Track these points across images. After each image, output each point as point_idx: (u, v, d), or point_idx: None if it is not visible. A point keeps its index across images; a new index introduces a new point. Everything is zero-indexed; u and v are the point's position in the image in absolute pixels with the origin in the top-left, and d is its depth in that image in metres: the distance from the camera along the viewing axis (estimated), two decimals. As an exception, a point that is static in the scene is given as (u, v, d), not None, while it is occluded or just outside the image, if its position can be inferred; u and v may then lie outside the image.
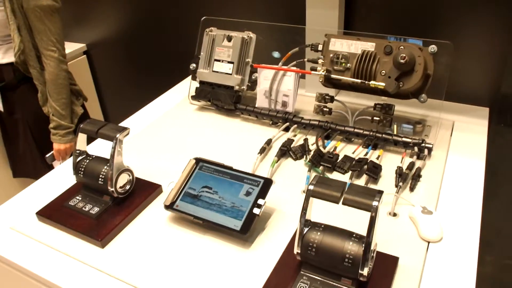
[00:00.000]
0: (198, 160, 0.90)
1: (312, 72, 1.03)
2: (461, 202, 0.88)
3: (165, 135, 1.15)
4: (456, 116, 1.15)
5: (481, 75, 1.18)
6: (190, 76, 1.43)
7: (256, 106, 1.17)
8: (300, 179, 0.96)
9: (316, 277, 0.70)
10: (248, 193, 0.83)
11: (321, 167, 0.97)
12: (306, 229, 0.70)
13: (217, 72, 1.19)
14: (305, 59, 1.08)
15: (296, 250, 0.70)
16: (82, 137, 0.90)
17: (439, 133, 1.08)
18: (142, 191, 0.92)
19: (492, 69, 1.16)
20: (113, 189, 0.86)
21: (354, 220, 0.75)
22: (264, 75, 1.14)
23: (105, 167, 0.87)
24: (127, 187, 0.89)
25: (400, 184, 0.89)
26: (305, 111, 1.18)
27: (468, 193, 0.90)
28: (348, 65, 1.01)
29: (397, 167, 0.94)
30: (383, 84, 0.95)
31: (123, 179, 0.88)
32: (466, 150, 1.02)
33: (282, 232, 0.82)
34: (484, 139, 1.07)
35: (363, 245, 0.66)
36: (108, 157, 0.87)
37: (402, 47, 0.96)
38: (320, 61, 1.05)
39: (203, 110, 1.26)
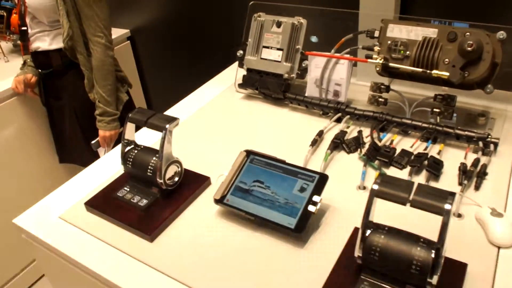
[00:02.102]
0: (249, 153, 0.87)
1: (369, 60, 0.97)
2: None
3: (211, 124, 1.12)
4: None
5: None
6: (236, 63, 1.40)
7: (306, 95, 1.12)
8: (354, 174, 0.90)
9: (378, 283, 0.66)
10: (302, 189, 0.79)
11: (376, 162, 0.92)
12: (368, 231, 0.65)
13: (266, 59, 1.15)
14: (360, 46, 1.02)
15: (357, 253, 0.66)
16: (130, 127, 0.88)
17: (504, 126, 1.00)
18: (191, 183, 0.89)
19: None
20: (162, 180, 0.84)
21: (414, 220, 0.70)
22: (315, 63, 1.09)
23: (154, 158, 0.85)
24: (176, 179, 0.87)
25: (465, 182, 0.83)
26: (357, 101, 1.12)
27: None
28: (407, 52, 0.94)
29: (461, 163, 0.88)
30: (447, 73, 0.88)
31: (172, 170, 0.86)
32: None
33: (337, 231, 0.78)
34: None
35: (432, 251, 0.61)
36: (156, 147, 0.85)
37: (468, 33, 0.88)
38: (376, 48, 0.99)
39: (250, 99, 1.22)
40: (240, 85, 1.20)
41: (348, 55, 1.05)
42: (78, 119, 1.45)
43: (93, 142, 1.43)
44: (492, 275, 0.68)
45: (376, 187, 0.63)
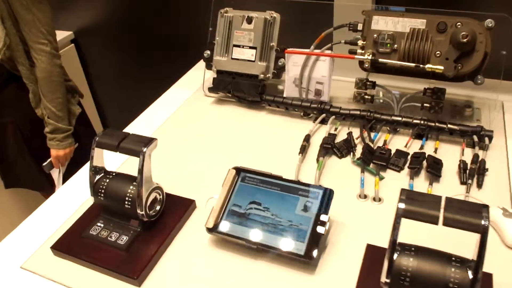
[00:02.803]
0: (238, 170, 0.77)
1: (356, 57, 0.90)
2: (538, 197, 0.78)
3: (184, 137, 1.01)
4: (501, 94, 1.03)
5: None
6: (200, 64, 1.29)
7: (285, 95, 1.03)
8: (351, 181, 0.84)
9: (409, 311, 0.60)
10: (306, 208, 0.71)
11: (372, 165, 0.86)
12: (395, 254, 0.59)
13: (238, 59, 1.05)
14: (342, 41, 0.95)
15: (385, 279, 0.59)
16: (99, 152, 0.76)
17: (490, 116, 0.98)
18: (174, 210, 0.79)
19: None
20: (143, 212, 0.72)
21: (429, 232, 0.63)
22: (293, 61, 1.00)
23: (131, 187, 0.73)
24: (157, 207, 0.76)
25: (470, 182, 0.79)
26: (339, 98, 1.06)
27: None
28: (395, 46, 0.88)
29: (460, 161, 0.83)
30: (441, 67, 0.83)
31: (153, 198, 0.75)
32: (526, 134, 0.92)
33: (348, 250, 0.71)
34: (540, 118, 0.97)
35: (468, 270, 0.56)
36: (131, 173, 0.73)
37: (459, 23, 0.83)
38: (360, 42, 0.92)
39: (222, 103, 1.11)
40: (211, 89, 1.09)
41: (329, 51, 0.97)
42: (24, 138, 1.27)
43: (44, 164, 1.26)
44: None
45: (402, 206, 0.56)
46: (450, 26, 0.83)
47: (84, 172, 0.95)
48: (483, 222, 0.53)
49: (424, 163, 0.84)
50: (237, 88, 1.05)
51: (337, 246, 0.72)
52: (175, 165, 0.92)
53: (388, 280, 0.58)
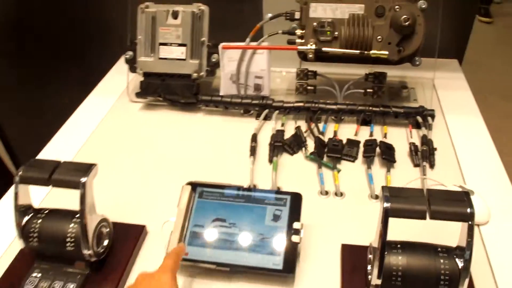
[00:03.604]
0: (194, 185, 0.69)
1: (300, 47, 0.85)
2: (483, 167, 0.81)
3: (115, 153, 0.88)
4: (429, 72, 1.06)
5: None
6: (116, 68, 1.16)
7: (222, 94, 0.96)
8: (308, 178, 0.80)
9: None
10: (276, 217, 0.65)
11: (325, 158, 0.83)
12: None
13: (166, 58, 0.94)
14: (280, 31, 0.89)
15: (376, 282, 0.56)
16: (23, 189, 0.63)
17: (426, 94, 1.00)
18: (124, 240, 0.68)
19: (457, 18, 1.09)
20: (90, 251, 0.61)
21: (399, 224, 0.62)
22: (228, 56, 0.93)
23: (71, 224, 0.62)
24: (106, 242, 0.65)
25: (425, 164, 0.79)
26: (278, 90, 1.01)
27: (485, 154, 0.84)
28: (336, 33, 0.85)
29: (410, 143, 0.84)
30: (386, 52, 0.82)
31: (100, 233, 0.64)
32: (459, 108, 0.96)
33: (323, 253, 0.67)
34: (468, 92, 1.02)
35: (455, 258, 0.55)
36: (62, 205, 0.62)
37: (397, 7, 0.82)
38: (298, 31, 0.88)
39: (152, 108, 1.00)
40: (139, 94, 0.98)
41: (266, 43, 0.91)
42: None
43: None
44: (484, 254, 0.66)
45: (388, 205, 0.53)
46: (389, 10, 0.82)
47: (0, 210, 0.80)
48: (469, 210, 0.52)
49: (377, 149, 0.83)
50: (168, 91, 0.96)
51: (311, 250, 0.67)
52: (113, 187, 0.80)
53: (379, 282, 0.56)
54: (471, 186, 0.75)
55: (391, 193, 0.54)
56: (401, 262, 0.55)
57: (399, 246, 0.57)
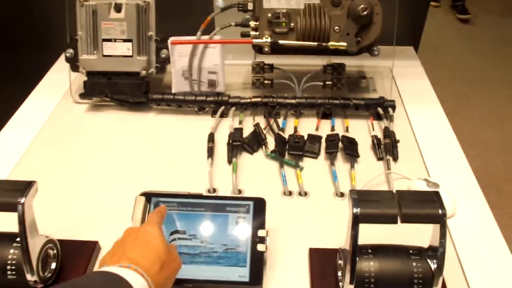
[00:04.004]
0: (148, 196, 0.64)
1: (255, 41, 0.80)
2: (446, 158, 0.81)
3: (59, 162, 0.80)
4: (386, 61, 1.05)
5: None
6: (56, 67, 1.06)
7: (174, 91, 0.90)
8: (270, 178, 0.76)
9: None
10: (239, 226, 0.61)
11: (287, 156, 0.79)
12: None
13: (111, 56, 0.87)
14: (232, 23, 0.84)
15: (348, 288, 0.53)
16: (-49, 214, 0.55)
17: (384, 84, 0.99)
18: (74, 260, 0.62)
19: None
20: (36, 278, 0.55)
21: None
22: (179, 51, 0.87)
23: (11, 250, 0.55)
24: (53, 265, 0.59)
25: (388, 157, 0.78)
26: (233, 85, 0.96)
27: (447, 144, 0.84)
28: (292, 24, 0.81)
29: (372, 136, 0.82)
30: (345, 43, 0.79)
31: (45, 255, 0.57)
32: (418, 97, 0.95)
33: (289, 258, 0.64)
34: (426, 81, 1.01)
35: (427, 259, 0.53)
36: (3, 228, 0.55)
37: (352, -5, 0.79)
38: (252, 23, 0.83)
39: (98, 109, 0.93)
40: (83, 95, 0.90)
41: (219, 37, 0.86)
42: None
43: None
44: (453, 248, 0.65)
45: (357, 210, 0.51)
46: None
47: None
48: (441, 211, 0.51)
49: (340, 144, 0.80)
50: (116, 90, 0.88)
51: (277, 257, 0.64)
52: (57, 201, 0.73)
53: (352, 288, 0.53)
54: (435, 178, 0.74)
55: (360, 197, 0.52)
56: (373, 267, 0.53)
57: (370, 250, 0.55)
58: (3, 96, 1.05)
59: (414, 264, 0.53)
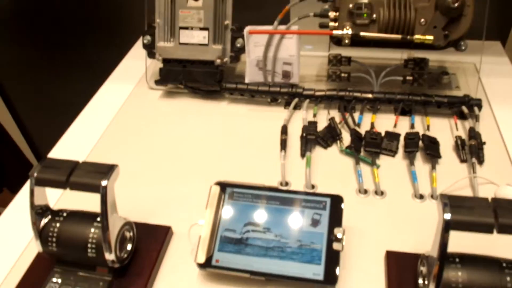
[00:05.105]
0: (223, 186, 0.63)
1: (335, 32, 0.77)
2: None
3: (135, 146, 0.83)
4: (470, 56, 0.98)
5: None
6: (132, 53, 1.09)
7: (247, 81, 0.89)
8: (345, 175, 0.74)
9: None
10: (315, 222, 0.59)
11: (362, 153, 0.76)
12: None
13: (187, 44, 0.88)
14: (311, 14, 0.82)
15: (431, 300, 0.50)
16: (40, 191, 0.57)
17: (468, 81, 0.92)
18: (148, 244, 0.63)
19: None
20: (113, 258, 0.56)
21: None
22: (254, 41, 0.86)
23: (92, 229, 0.57)
24: (129, 246, 0.60)
25: (474, 160, 0.72)
26: (307, 77, 0.94)
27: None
28: (373, 16, 0.78)
29: (456, 137, 0.77)
30: (431, 37, 0.74)
31: (123, 237, 0.59)
32: (506, 96, 0.88)
33: (365, 261, 0.61)
34: (515, 78, 0.94)
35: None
36: (81, 205, 0.57)
37: (442, -16, 0.74)
38: (331, 14, 0.80)
39: (173, 96, 0.94)
40: (158, 82, 0.92)
41: (296, 27, 0.84)
42: None
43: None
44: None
45: (448, 216, 0.47)
46: (433, -11, 0.74)
47: (15, 210, 0.75)
48: (543, 223, 0.46)
49: (420, 143, 0.76)
50: (190, 78, 0.89)
51: (351, 257, 0.62)
52: (133, 185, 0.75)
53: (435, 302, 0.50)
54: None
55: (452, 203, 0.48)
56: (461, 278, 0.49)
57: (457, 259, 0.51)
58: (82, 81, 1.10)
59: (508, 279, 0.49)
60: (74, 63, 1.37)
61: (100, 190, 0.54)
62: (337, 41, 0.82)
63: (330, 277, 0.56)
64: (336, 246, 0.57)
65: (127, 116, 0.91)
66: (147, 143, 0.83)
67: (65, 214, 0.59)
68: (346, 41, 0.77)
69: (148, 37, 0.90)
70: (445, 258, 0.48)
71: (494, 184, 0.70)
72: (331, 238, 0.58)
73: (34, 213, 0.57)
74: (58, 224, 0.58)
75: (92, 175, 0.55)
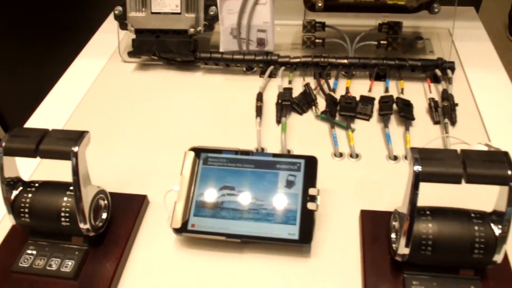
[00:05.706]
0: (197, 151, 0.63)
1: (307, -5, 0.77)
2: (508, 123, 0.75)
3: (108, 118, 0.81)
4: (444, 22, 0.98)
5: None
6: (104, 27, 1.07)
7: (222, 50, 0.88)
8: (320, 140, 0.74)
9: (427, 277, 0.53)
10: (290, 184, 0.60)
11: (337, 117, 0.77)
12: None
13: (159, 13, 0.86)
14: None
15: (403, 251, 0.51)
16: (9, 161, 0.56)
17: (442, 45, 0.92)
18: (124, 212, 0.63)
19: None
20: (88, 226, 0.56)
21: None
22: (228, 8, 0.85)
23: (65, 198, 0.56)
24: (104, 215, 0.60)
25: (446, 121, 0.73)
26: (282, 45, 0.93)
27: (510, 109, 0.78)
28: (347, -22, 0.77)
29: (429, 99, 0.77)
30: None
31: (97, 206, 0.58)
32: (479, 59, 0.89)
33: (339, 220, 0.62)
34: (488, 43, 0.94)
35: (492, 224, 0.50)
36: (54, 177, 0.56)
37: None
38: (304, -23, 0.79)
39: (146, 68, 0.93)
40: (131, 53, 0.90)
41: (270, -8, 0.83)
42: None
43: None
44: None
45: (418, 168, 0.48)
46: (405, -51, 0.74)
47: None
48: (510, 172, 0.47)
49: (394, 106, 0.76)
50: (163, 49, 0.87)
51: (327, 218, 0.62)
52: (108, 155, 0.74)
53: (406, 252, 0.51)
54: (497, 144, 0.69)
55: (422, 155, 0.48)
56: (431, 229, 0.50)
57: (428, 212, 0.52)
58: (54, 55, 1.07)
59: (476, 228, 0.50)
60: (47, 41, 1.34)
61: (71, 157, 0.53)
62: (311, 6, 0.81)
63: (305, 236, 0.56)
64: (310, 205, 0.58)
65: (101, 89, 0.89)
66: (122, 115, 0.82)
67: (37, 185, 0.58)
68: (320, 4, 0.76)
69: (120, 8, 0.88)
70: (416, 210, 0.49)
71: (466, 143, 0.71)
72: (306, 198, 0.58)
73: (4, 185, 0.56)
74: (30, 195, 0.57)
75: (62, 142, 0.54)
